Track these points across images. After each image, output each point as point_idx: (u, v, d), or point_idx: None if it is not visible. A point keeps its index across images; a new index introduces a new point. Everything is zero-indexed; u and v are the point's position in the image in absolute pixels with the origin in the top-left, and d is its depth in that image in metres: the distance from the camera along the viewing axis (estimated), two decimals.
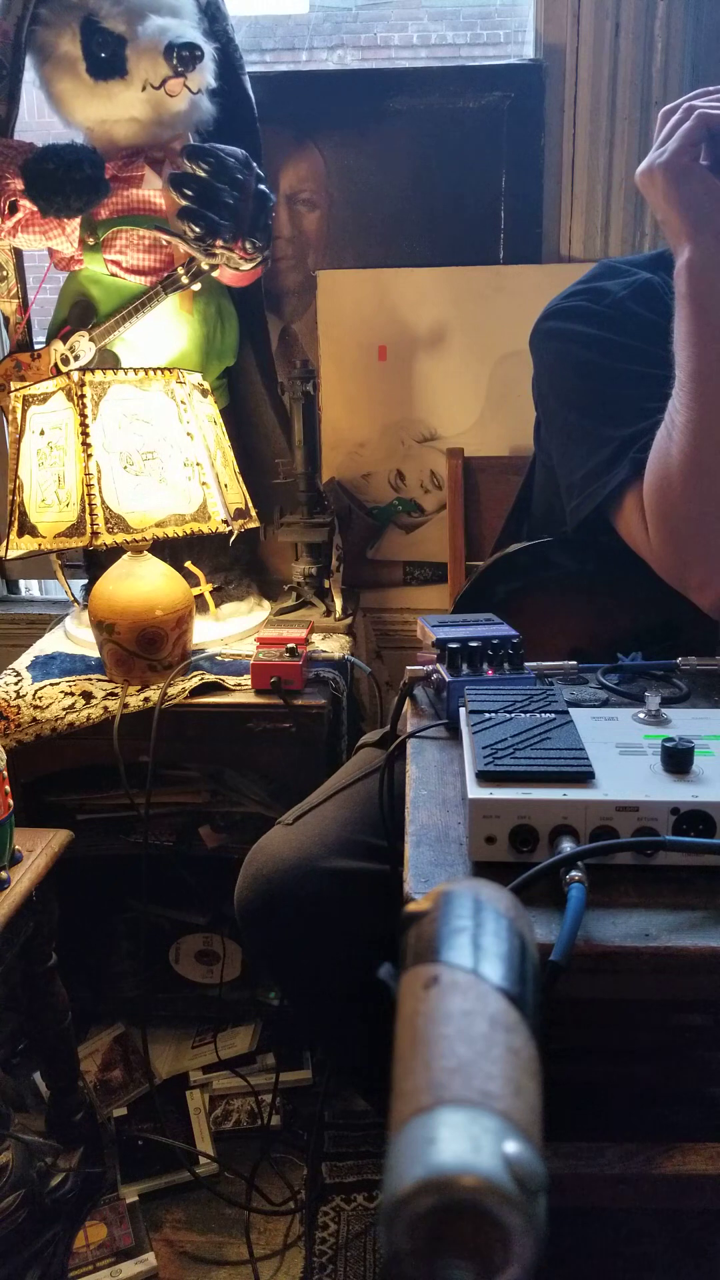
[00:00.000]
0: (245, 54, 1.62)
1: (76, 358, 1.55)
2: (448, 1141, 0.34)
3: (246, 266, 1.51)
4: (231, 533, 1.47)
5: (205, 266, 1.51)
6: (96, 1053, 1.62)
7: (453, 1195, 0.32)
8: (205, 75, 1.49)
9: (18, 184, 1.47)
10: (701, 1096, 0.72)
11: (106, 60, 1.44)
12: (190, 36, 1.44)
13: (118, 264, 1.56)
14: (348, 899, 1.04)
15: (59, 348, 1.58)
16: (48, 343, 1.65)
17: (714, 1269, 0.76)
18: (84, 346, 1.56)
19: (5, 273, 1.72)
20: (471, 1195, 0.32)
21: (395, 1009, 0.42)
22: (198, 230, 1.43)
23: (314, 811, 1.12)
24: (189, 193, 1.43)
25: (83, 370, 1.41)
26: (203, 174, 1.43)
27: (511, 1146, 0.34)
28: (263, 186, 1.48)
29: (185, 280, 1.53)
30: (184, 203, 1.43)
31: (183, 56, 1.42)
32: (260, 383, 1.78)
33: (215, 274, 1.55)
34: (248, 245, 1.47)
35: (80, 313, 1.59)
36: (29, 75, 1.55)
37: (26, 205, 1.48)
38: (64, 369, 1.59)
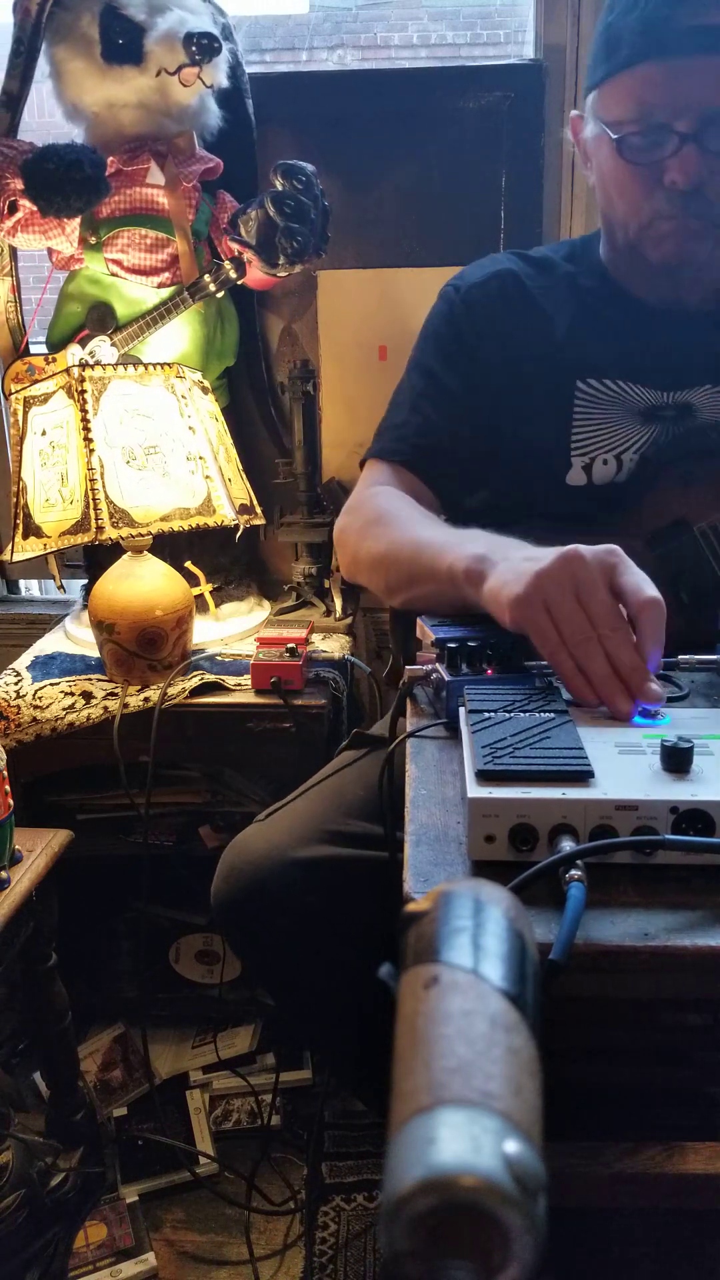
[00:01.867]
0: (245, 54, 1.63)
1: (97, 363, 1.55)
2: (448, 1141, 0.34)
3: (284, 274, 1.51)
4: (237, 528, 1.47)
5: (233, 274, 1.51)
6: (96, 1053, 1.62)
7: (453, 1195, 0.32)
8: (218, 73, 1.50)
9: (18, 183, 1.47)
10: (701, 1096, 0.72)
11: (123, 46, 1.46)
12: (209, 28, 1.46)
13: (119, 263, 1.56)
14: (320, 887, 1.04)
15: (76, 351, 1.58)
16: (50, 345, 1.65)
17: (713, 1269, 0.76)
18: (105, 351, 1.56)
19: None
20: (471, 1195, 0.32)
21: (395, 1009, 0.42)
22: (296, 245, 1.44)
23: (286, 807, 1.14)
24: (288, 210, 1.44)
25: (81, 366, 1.41)
26: (298, 190, 1.44)
27: (511, 1146, 0.34)
28: (325, 201, 1.50)
29: (213, 288, 1.53)
30: (283, 221, 1.44)
31: (201, 45, 1.43)
32: (250, 397, 1.79)
33: (244, 279, 1.55)
34: (315, 258, 1.49)
35: (99, 317, 1.58)
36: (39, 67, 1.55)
37: (26, 205, 1.48)
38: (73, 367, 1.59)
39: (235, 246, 1.50)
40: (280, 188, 1.44)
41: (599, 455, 1.18)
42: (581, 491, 1.19)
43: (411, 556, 1.02)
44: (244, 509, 1.51)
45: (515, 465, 1.21)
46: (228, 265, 1.51)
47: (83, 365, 1.42)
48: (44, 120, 1.64)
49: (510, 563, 0.86)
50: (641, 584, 0.79)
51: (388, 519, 1.10)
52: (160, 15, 1.45)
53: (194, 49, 1.43)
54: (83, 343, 1.59)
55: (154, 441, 1.42)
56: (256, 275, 1.52)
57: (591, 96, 1.11)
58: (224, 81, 1.53)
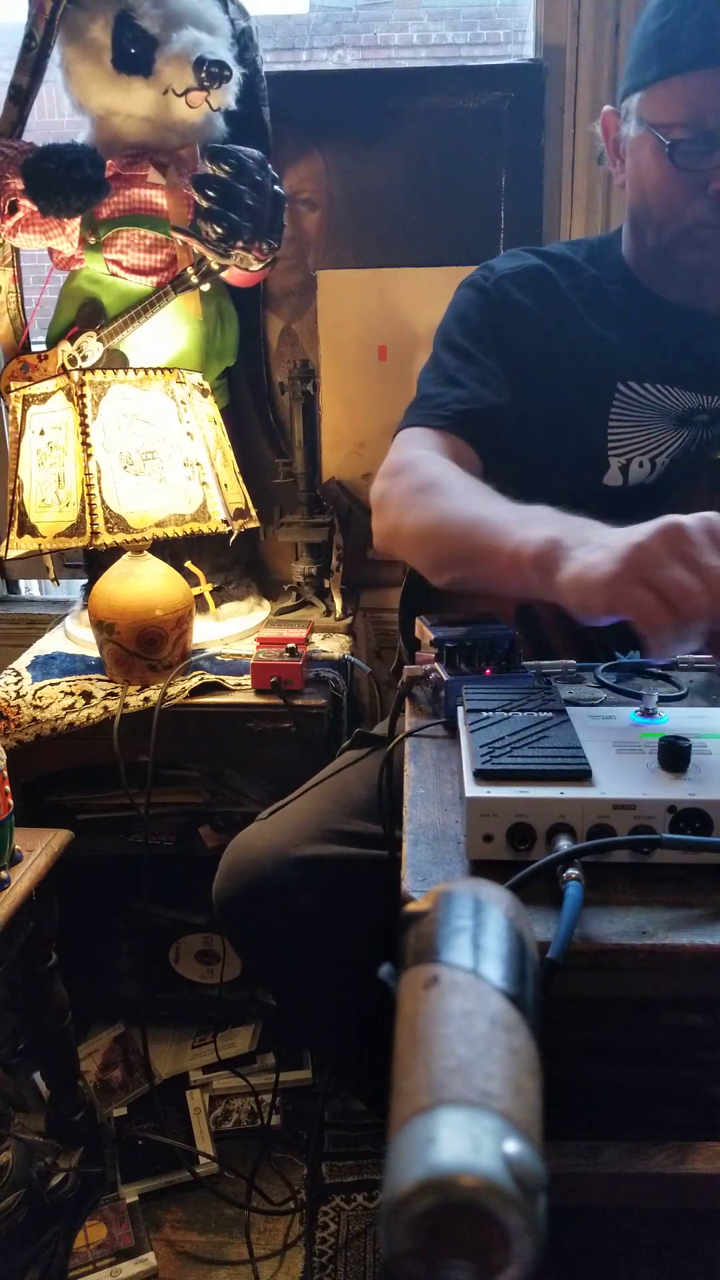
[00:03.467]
0: None
1: (84, 358, 1.55)
2: (448, 1141, 0.34)
3: (257, 267, 1.51)
4: (232, 533, 1.47)
5: (215, 267, 1.51)
6: (96, 1053, 1.62)
7: (453, 1195, 0.32)
8: (227, 96, 1.50)
9: (18, 183, 1.47)
10: (701, 1096, 0.72)
11: (134, 56, 1.45)
12: (222, 55, 1.46)
13: (118, 263, 1.56)
14: (321, 886, 1.05)
15: (66, 348, 1.58)
16: (49, 343, 1.65)
17: (713, 1269, 0.76)
18: (92, 347, 1.56)
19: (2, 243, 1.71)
20: (471, 1195, 0.32)
21: (395, 1009, 0.42)
22: (220, 231, 1.43)
23: (288, 806, 1.14)
24: (211, 194, 1.43)
25: (83, 370, 1.41)
26: (225, 175, 1.43)
27: (511, 1146, 0.34)
28: (278, 188, 1.49)
29: (195, 280, 1.53)
30: (206, 204, 1.43)
31: (211, 72, 1.43)
32: (249, 399, 1.78)
33: (224, 274, 1.55)
34: (264, 246, 1.48)
35: (89, 313, 1.58)
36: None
37: (26, 205, 1.48)
38: (71, 370, 1.59)
39: (180, 238, 1.50)
40: (209, 172, 1.43)
41: (635, 457, 1.18)
42: (617, 492, 1.19)
43: (466, 532, 0.92)
44: (240, 513, 1.51)
45: (551, 463, 1.18)
46: (209, 257, 1.51)
47: (82, 370, 1.42)
48: (45, 120, 1.64)
49: (591, 545, 0.77)
50: None
51: (438, 486, 1.00)
52: (176, 31, 1.44)
53: (203, 75, 1.43)
54: (73, 339, 1.59)
55: (152, 447, 1.42)
56: (235, 271, 1.52)
57: (637, 97, 1.08)
58: (232, 104, 1.53)
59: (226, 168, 1.43)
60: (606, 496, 1.19)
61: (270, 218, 1.47)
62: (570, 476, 1.19)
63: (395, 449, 1.11)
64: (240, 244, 1.45)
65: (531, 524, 0.86)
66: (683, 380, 1.16)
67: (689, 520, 0.74)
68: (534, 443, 1.17)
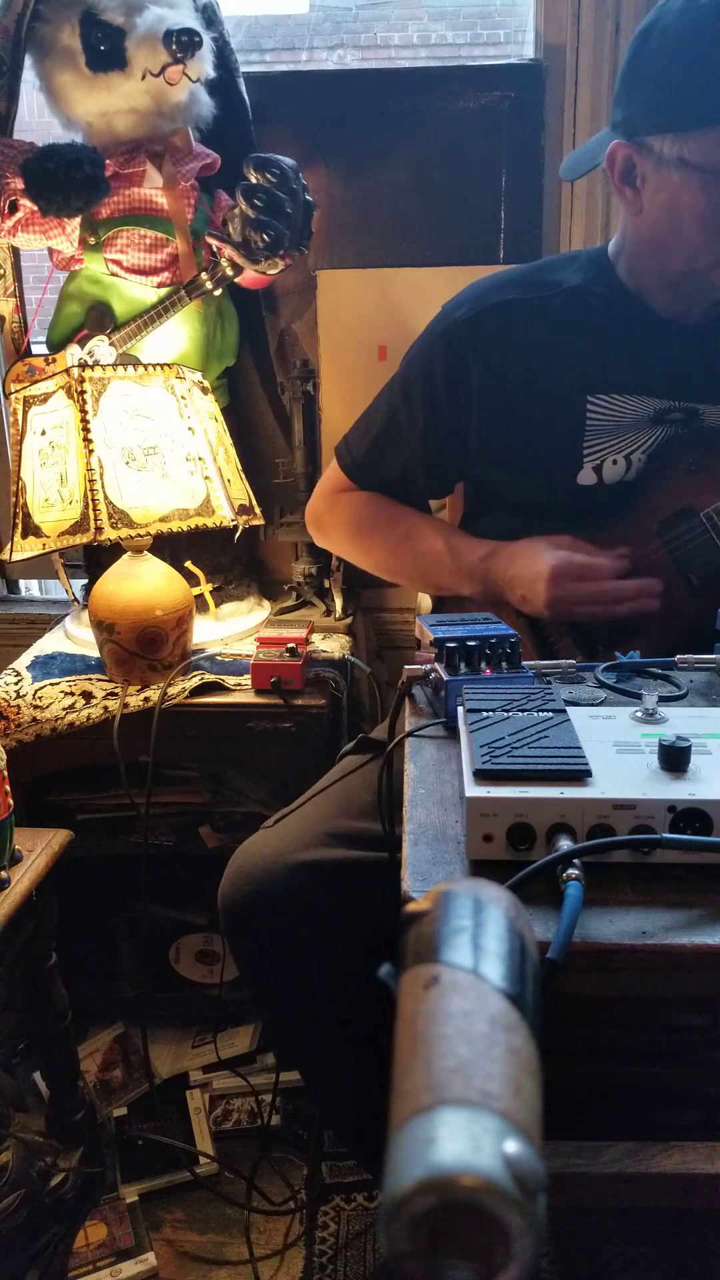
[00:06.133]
0: (245, 54, 1.62)
1: (96, 362, 1.55)
2: (448, 1141, 0.34)
3: (273, 272, 1.51)
4: (236, 528, 1.47)
5: (230, 272, 1.51)
6: (96, 1053, 1.62)
7: (453, 1195, 0.32)
8: (204, 65, 1.50)
9: (18, 183, 1.47)
10: (701, 1096, 0.72)
11: (106, 53, 1.45)
12: (188, 23, 1.45)
13: (118, 263, 1.56)
14: (326, 889, 1.05)
15: (75, 351, 1.58)
16: (50, 345, 1.65)
17: (713, 1269, 0.76)
18: (104, 351, 1.56)
19: (3, 271, 1.72)
20: (471, 1195, 0.32)
21: (395, 1010, 0.42)
22: (268, 239, 1.43)
23: (294, 813, 1.15)
24: (259, 203, 1.42)
25: (81, 366, 1.41)
26: (269, 184, 1.43)
27: (511, 1146, 0.34)
28: (307, 196, 1.49)
29: (209, 286, 1.53)
30: (254, 214, 1.43)
31: (181, 42, 1.42)
32: (259, 384, 1.78)
33: (239, 278, 1.54)
34: (295, 253, 1.48)
35: (97, 317, 1.58)
36: (27, 75, 1.55)
37: (26, 204, 1.48)
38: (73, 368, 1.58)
39: (214, 243, 1.50)
40: (254, 181, 1.44)
41: (609, 456, 1.21)
42: (592, 490, 1.22)
43: (420, 568, 1.30)
44: (243, 509, 1.51)
45: (527, 469, 1.24)
46: (224, 263, 1.51)
47: (82, 366, 1.42)
48: (44, 120, 1.64)
49: (516, 583, 1.16)
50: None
51: (372, 527, 1.35)
52: (139, 15, 1.44)
53: (174, 47, 1.43)
54: (81, 343, 1.59)
55: (153, 442, 1.42)
56: (249, 274, 1.52)
57: (678, 136, 1.09)
58: (210, 72, 1.52)
59: (271, 176, 1.42)
60: (584, 495, 1.23)
61: (302, 224, 1.47)
62: (545, 479, 1.24)
63: (328, 475, 1.41)
64: (281, 252, 1.46)
65: (462, 579, 1.24)
66: (654, 390, 1.20)
67: (558, 560, 1.11)
68: (507, 454, 1.24)
